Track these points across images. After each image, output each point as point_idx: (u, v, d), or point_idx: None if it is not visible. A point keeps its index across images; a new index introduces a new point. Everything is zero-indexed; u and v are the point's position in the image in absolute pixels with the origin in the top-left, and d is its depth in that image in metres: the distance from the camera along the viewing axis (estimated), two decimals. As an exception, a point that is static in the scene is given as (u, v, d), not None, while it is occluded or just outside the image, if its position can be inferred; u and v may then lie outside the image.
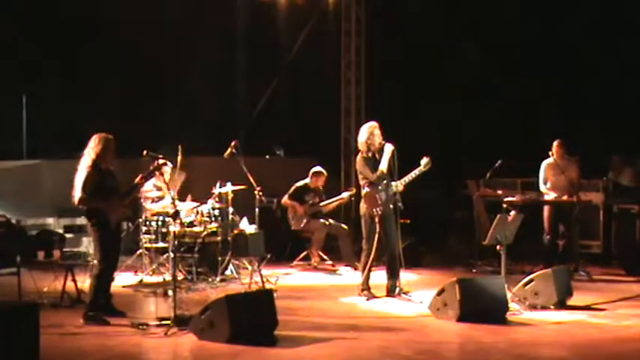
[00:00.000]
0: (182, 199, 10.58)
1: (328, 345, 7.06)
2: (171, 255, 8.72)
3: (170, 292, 8.43)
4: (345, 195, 12.33)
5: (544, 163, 11.12)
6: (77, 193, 7.83)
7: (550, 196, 11.05)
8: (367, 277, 9.25)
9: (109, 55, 15.19)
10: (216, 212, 10.58)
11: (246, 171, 10.31)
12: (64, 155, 11.92)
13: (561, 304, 8.51)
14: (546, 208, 11.10)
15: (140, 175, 8.16)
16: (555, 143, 10.98)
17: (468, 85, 15.31)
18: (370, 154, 9.17)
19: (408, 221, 10.18)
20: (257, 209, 10.59)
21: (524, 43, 15.10)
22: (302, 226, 11.90)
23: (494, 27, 14.98)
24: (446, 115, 15.20)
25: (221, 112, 16.37)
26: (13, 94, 15.40)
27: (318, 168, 12.20)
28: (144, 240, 10.45)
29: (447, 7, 15.19)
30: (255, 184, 10.44)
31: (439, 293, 8.09)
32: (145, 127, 14.34)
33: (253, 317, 7.22)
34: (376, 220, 9.06)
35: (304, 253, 12.03)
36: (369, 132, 9.16)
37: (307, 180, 12.10)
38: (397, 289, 9.18)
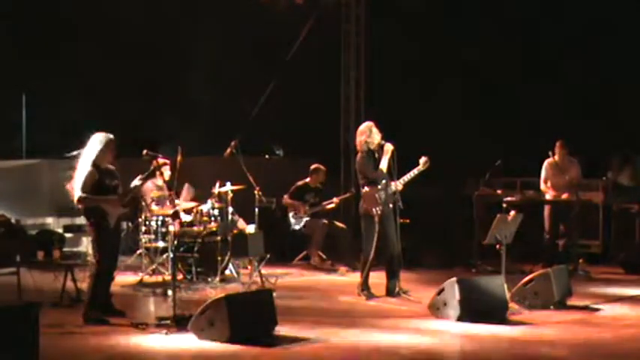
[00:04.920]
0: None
1: (328, 345, 7.05)
2: (171, 255, 8.71)
3: (170, 292, 8.43)
4: (343, 197, 12.40)
5: (545, 163, 11.15)
6: (76, 192, 7.84)
7: (550, 195, 11.06)
8: (367, 277, 9.24)
9: (110, 55, 15.18)
10: (216, 212, 10.58)
11: (245, 171, 10.30)
12: (64, 155, 11.91)
13: (561, 304, 8.51)
14: (546, 208, 11.11)
15: (140, 176, 8.16)
16: (557, 144, 11.01)
17: (468, 84, 15.30)
18: (370, 154, 9.17)
19: (408, 221, 10.17)
20: (257, 209, 10.58)
21: (524, 43, 15.10)
22: (302, 225, 11.90)
23: (494, 27, 14.97)
24: (446, 115, 15.18)
25: (221, 112, 16.35)
26: (13, 94, 15.40)
27: (315, 165, 12.20)
28: (144, 240, 10.45)
29: (447, 6, 15.18)
30: (254, 184, 10.44)
31: (439, 293, 8.09)
32: (145, 127, 14.32)
33: (253, 317, 7.22)
34: (375, 219, 9.06)
35: (304, 253, 12.03)
36: (367, 131, 9.16)
37: (307, 179, 12.11)
38: (397, 289, 9.18)
